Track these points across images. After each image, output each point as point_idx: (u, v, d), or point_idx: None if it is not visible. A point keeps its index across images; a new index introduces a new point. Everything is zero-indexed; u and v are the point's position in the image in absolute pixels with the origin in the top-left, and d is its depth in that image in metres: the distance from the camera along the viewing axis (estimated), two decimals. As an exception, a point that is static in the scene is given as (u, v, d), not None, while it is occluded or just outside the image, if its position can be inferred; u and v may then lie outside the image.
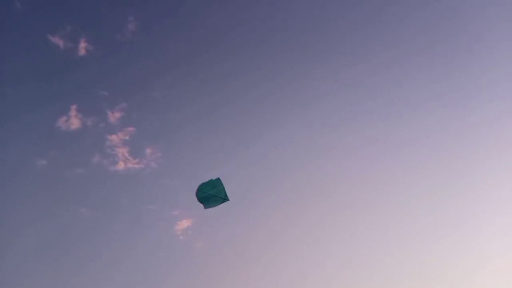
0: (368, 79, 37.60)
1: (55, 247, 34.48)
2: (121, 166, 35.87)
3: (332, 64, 38.47)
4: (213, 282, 34.39)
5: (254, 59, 37.64)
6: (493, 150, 35.29)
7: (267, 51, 38.93)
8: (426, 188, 34.64)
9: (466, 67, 36.50)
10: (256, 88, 36.82)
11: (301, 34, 40.05)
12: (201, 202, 14.80)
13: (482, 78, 36.23)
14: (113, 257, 35.57)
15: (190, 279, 35.54)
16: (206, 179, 14.91)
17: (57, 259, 35.52)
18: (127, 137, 36.78)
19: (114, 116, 36.76)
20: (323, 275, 32.75)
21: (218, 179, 14.87)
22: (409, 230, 33.34)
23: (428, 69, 37.78)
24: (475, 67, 36.07)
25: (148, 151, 37.77)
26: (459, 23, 36.67)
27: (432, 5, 38.07)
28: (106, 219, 35.81)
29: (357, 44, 38.75)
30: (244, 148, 40.20)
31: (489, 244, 31.30)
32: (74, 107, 35.72)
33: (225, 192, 14.92)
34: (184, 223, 36.27)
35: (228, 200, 14.68)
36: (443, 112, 37.32)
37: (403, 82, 38.04)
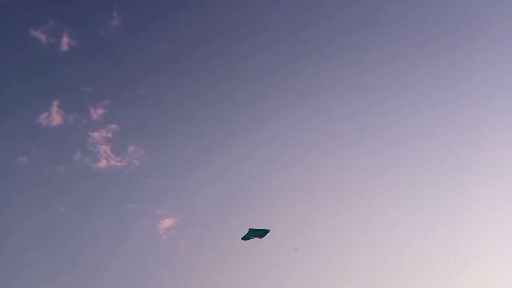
0: (361, 77, 37.41)
1: (37, 246, 33.07)
2: (103, 163, 35.04)
3: (324, 63, 37.96)
4: (197, 282, 33.58)
5: (242, 58, 37.28)
6: (487, 148, 35.36)
7: (255, 50, 38.58)
8: (420, 187, 34.60)
9: (464, 64, 36.32)
10: (243, 86, 36.42)
11: (290, 33, 39.74)
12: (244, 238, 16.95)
13: (479, 76, 36.16)
14: (96, 257, 34.08)
15: (174, 279, 34.39)
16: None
17: (39, 258, 34.02)
18: (109, 134, 35.76)
19: (96, 113, 36.14)
20: (309, 274, 32.15)
21: (268, 231, 16.85)
22: (401, 228, 33.04)
23: (423, 67, 37.45)
24: (473, 64, 35.90)
25: (131, 148, 36.85)
26: (456, 21, 36.80)
27: (429, 4, 38.21)
28: (88, 218, 34.59)
29: (351, 42, 38.37)
30: (230, 147, 39.39)
31: (482, 241, 31.43)
32: (56, 103, 34.90)
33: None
34: (167, 222, 35.47)
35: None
36: (437, 109, 37.14)
37: (398, 79, 38.01)
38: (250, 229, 17.39)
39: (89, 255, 34.11)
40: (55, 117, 34.66)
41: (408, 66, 38.37)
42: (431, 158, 35.46)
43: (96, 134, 35.54)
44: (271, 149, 38.37)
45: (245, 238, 16.80)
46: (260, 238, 16.45)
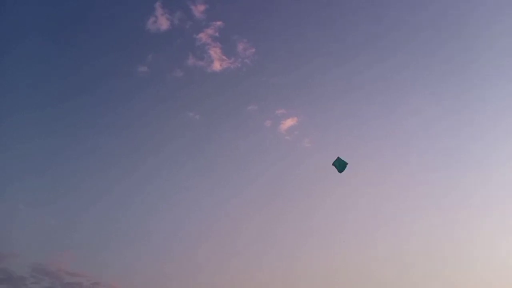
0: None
1: (171, 151, 34.29)
2: (217, 67, 35.64)
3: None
4: (324, 180, 34.47)
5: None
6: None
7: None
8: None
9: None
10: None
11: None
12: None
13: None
14: (223, 162, 35.72)
15: (301, 178, 35.26)
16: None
17: (173, 165, 34.73)
18: (216, 34, 36.52)
19: (198, 10, 36.09)
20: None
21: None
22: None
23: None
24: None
25: (240, 47, 37.66)
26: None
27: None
28: (211, 123, 36.77)
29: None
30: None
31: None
32: (159, 4, 35.48)
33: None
34: (289, 122, 36.63)
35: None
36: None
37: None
38: (338, 158, 18.68)
39: (215, 159, 35.66)
40: (162, 21, 35.72)
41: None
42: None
43: (201, 36, 35.53)
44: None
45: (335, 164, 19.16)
46: (340, 171, 18.82)
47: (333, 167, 18.84)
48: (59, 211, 32.55)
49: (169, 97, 36.25)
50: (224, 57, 35.17)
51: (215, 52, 34.59)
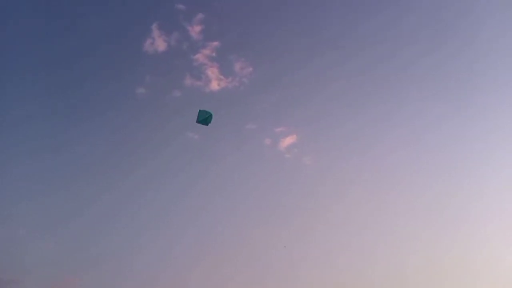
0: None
1: (169, 169, 34.02)
2: (214, 86, 35.50)
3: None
4: (325, 197, 34.15)
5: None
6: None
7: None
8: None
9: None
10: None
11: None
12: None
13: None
14: (221, 180, 35.17)
15: (302, 196, 34.67)
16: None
17: (173, 182, 34.36)
18: (213, 54, 36.50)
19: (195, 31, 36.19)
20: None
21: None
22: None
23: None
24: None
25: (237, 66, 37.46)
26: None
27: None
28: (209, 142, 36.37)
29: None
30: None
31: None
32: (155, 25, 35.66)
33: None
34: (289, 140, 36.29)
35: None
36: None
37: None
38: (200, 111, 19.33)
39: (215, 178, 35.19)
40: (159, 43, 35.83)
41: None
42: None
43: (198, 56, 35.80)
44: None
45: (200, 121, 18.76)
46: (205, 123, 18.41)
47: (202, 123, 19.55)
48: (62, 236, 32.40)
49: (167, 118, 36.38)
50: (221, 77, 35.35)
51: (212, 72, 34.79)
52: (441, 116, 38.64)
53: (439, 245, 33.13)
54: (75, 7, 36.19)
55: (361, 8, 39.26)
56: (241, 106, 36.85)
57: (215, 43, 34.73)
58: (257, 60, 37.45)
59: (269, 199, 35.19)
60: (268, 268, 31.84)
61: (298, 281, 30.82)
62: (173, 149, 35.00)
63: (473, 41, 38.09)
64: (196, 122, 19.16)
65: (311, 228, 34.12)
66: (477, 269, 31.38)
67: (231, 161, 36.47)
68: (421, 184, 36.64)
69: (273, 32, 39.25)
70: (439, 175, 36.34)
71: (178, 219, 34.44)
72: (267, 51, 39.00)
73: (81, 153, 35.90)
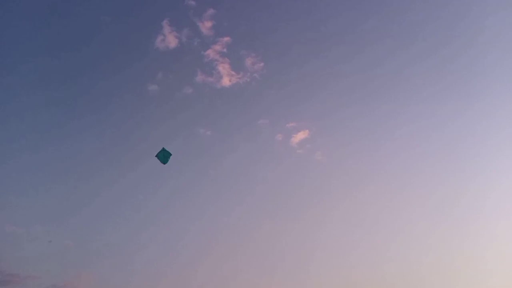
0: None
1: (181, 165, 33.83)
2: (226, 82, 35.64)
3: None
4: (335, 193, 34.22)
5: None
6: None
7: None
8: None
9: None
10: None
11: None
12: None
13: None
14: (234, 175, 35.21)
15: (313, 191, 34.60)
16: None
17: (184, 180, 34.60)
18: (224, 50, 36.48)
19: (205, 26, 36.04)
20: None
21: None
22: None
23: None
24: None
25: (248, 61, 37.30)
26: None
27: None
28: (222, 138, 36.34)
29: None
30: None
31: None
32: (166, 22, 35.76)
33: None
34: (301, 135, 36.12)
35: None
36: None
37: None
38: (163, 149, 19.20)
39: (227, 174, 34.94)
40: (170, 39, 35.93)
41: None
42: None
43: (209, 52, 35.64)
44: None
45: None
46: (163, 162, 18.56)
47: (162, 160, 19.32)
48: (74, 231, 32.73)
49: (179, 114, 36.35)
50: (233, 73, 35.20)
51: (223, 67, 34.65)
52: (454, 112, 37.91)
53: (449, 242, 32.79)
54: (86, 4, 36.28)
55: (374, 1, 38.56)
56: (253, 102, 36.74)
57: (226, 39, 34.58)
58: (268, 55, 37.23)
59: (280, 195, 35.13)
60: (278, 264, 31.94)
61: (307, 278, 30.80)
62: (185, 145, 35.16)
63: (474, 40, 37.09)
64: (155, 156, 19.29)
65: (322, 224, 34.04)
66: (488, 269, 30.93)
67: (243, 156, 36.48)
68: (435, 180, 36.18)
69: (284, 27, 38.88)
70: (452, 171, 35.77)
71: (189, 214, 34.71)
72: (278, 46, 38.69)
73: (96, 149, 36.20)
